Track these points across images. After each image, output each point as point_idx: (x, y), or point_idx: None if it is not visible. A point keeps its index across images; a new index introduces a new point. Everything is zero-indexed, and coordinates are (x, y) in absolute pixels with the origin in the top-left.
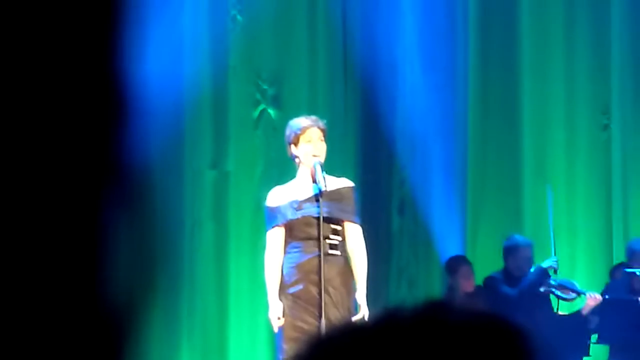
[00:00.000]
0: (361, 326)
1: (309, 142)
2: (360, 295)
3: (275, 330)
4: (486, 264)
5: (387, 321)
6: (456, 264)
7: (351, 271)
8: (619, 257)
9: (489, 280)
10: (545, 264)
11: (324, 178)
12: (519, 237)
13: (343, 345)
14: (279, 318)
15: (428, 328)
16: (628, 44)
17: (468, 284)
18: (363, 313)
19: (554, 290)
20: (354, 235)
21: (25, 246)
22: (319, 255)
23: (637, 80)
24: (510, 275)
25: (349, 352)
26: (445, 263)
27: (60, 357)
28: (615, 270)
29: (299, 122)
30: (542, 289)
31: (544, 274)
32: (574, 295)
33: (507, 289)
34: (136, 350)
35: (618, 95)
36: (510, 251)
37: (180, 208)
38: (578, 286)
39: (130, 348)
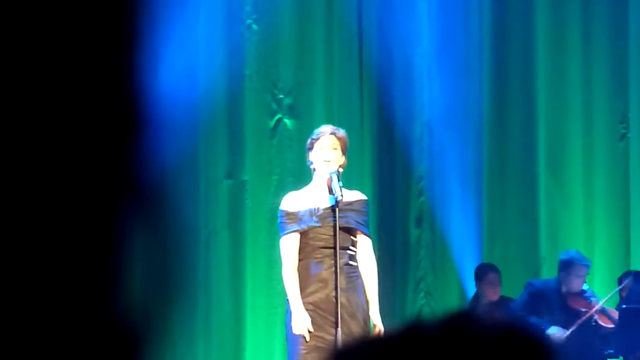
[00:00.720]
0: (385, 338)
1: (321, 149)
2: (374, 310)
3: (308, 339)
4: (504, 275)
5: (411, 333)
6: (483, 271)
7: None
8: (637, 266)
9: (526, 286)
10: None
11: (340, 188)
12: (574, 254)
13: (368, 356)
14: (309, 331)
15: (452, 341)
16: None
17: (493, 293)
18: (379, 329)
19: (594, 315)
20: (365, 248)
21: (42, 256)
22: (338, 265)
23: None
24: (559, 287)
25: None
26: (475, 270)
27: None
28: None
29: (319, 128)
30: (583, 309)
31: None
32: (611, 326)
33: (520, 308)
34: (153, 359)
35: (636, 104)
36: (563, 266)
37: (196, 217)
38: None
39: (146, 358)
